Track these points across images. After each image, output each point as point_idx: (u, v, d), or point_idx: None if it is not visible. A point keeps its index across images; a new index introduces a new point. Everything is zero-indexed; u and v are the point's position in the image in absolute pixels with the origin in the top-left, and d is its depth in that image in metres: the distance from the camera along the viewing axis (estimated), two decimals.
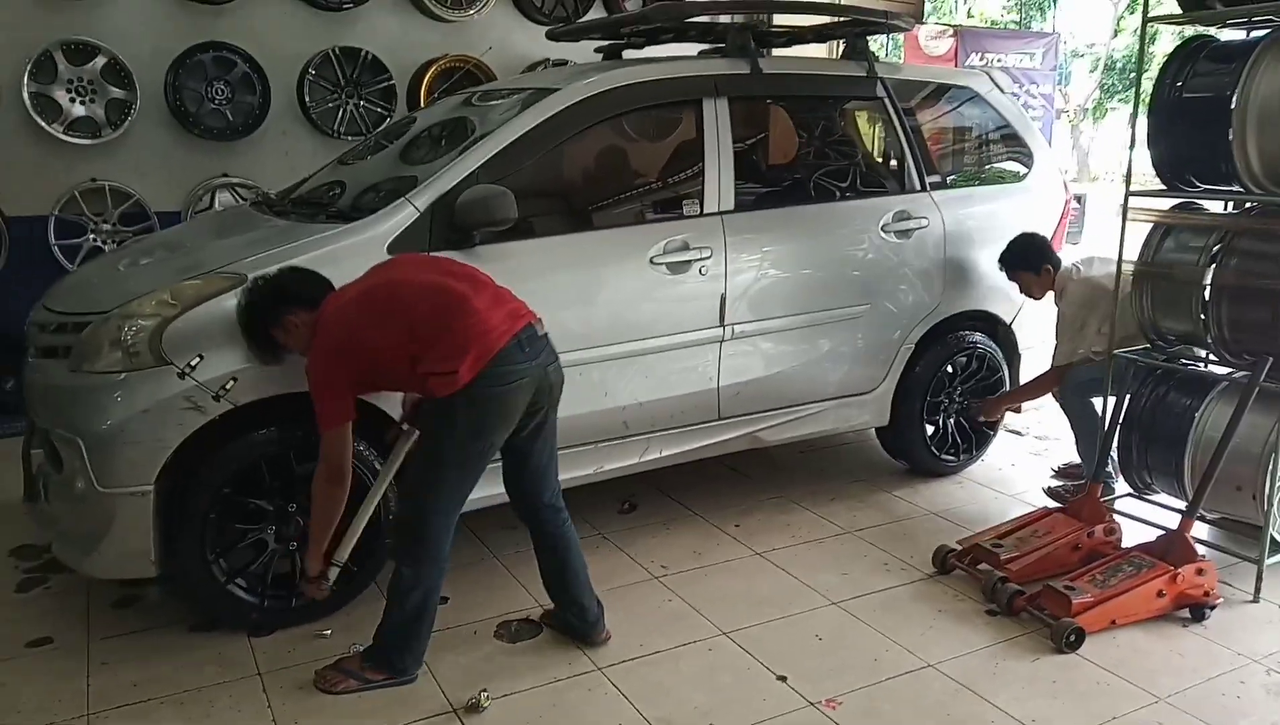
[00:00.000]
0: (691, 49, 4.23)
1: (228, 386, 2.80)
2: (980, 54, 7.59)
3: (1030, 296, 4.14)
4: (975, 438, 4.41)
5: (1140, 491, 3.78)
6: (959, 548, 3.46)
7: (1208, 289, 3.39)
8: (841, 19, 4.18)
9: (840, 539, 3.75)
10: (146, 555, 2.83)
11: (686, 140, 3.66)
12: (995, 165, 4.49)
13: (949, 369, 4.23)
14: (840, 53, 4.35)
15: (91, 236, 5.05)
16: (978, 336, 4.29)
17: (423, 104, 5.64)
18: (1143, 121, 3.44)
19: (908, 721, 2.62)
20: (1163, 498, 3.71)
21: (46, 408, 3.02)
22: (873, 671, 2.84)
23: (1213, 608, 3.12)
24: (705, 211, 3.59)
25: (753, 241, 3.66)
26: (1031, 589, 3.16)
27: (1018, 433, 4.90)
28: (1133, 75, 22.98)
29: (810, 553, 3.62)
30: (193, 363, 2.77)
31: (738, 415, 3.78)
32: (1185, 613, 3.13)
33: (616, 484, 3.76)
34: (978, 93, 4.40)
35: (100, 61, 4.91)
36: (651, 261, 3.45)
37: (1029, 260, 4.03)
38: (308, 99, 5.40)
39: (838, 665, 2.87)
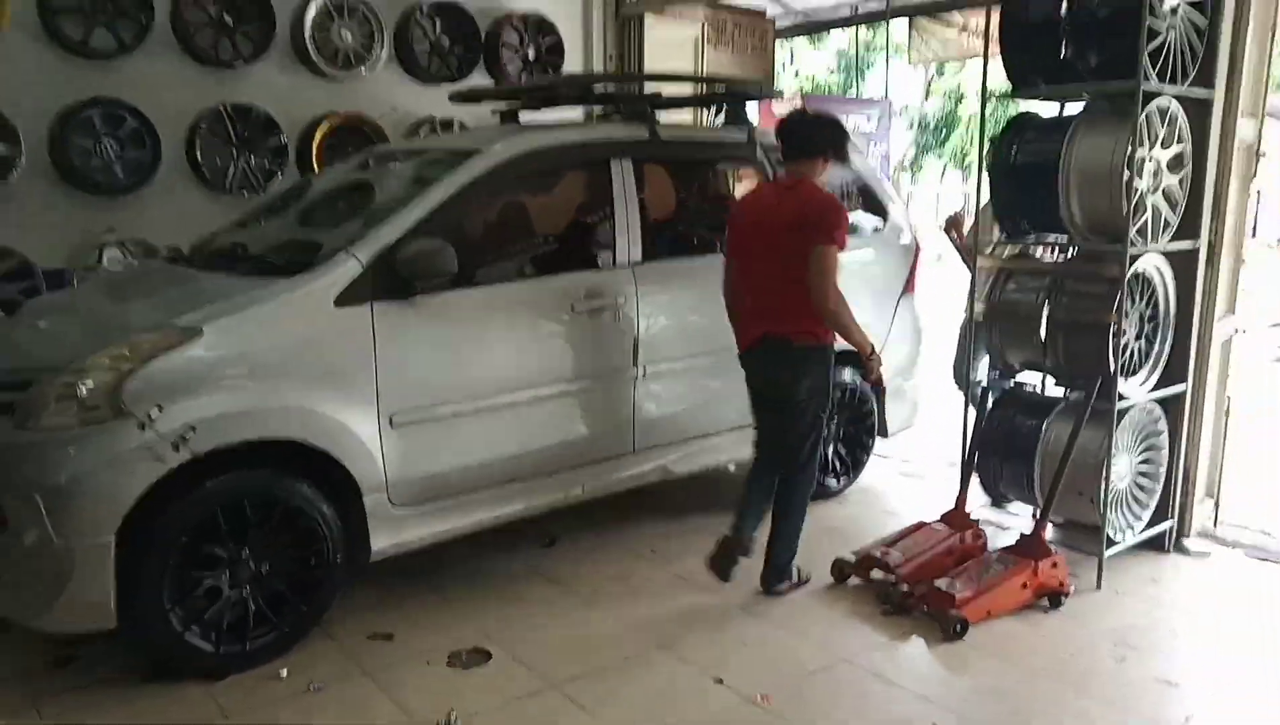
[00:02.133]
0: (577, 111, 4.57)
1: (186, 436, 2.90)
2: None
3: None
4: (851, 463, 4.90)
5: (997, 502, 4.34)
6: (853, 558, 3.89)
7: (1044, 323, 3.99)
8: (720, 89, 4.65)
9: (749, 558, 4.10)
10: (105, 606, 2.87)
11: (597, 197, 4.01)
12: (856, 218, 5.04)
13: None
14: (719, 119, 4.81)
15: None
16: (847, 372, 4.79)
17: (315, 160, 5.77)
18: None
19: (831, 707, 2.99)
20: (1016, 506, 4.28)
21: None
22: (796, 668, 3.21)
23: (1066, 596, 3.66)
24: (617, 263, 3.94)
25: (659, 289, 4.02)
26: (918, 589, 3.60)
27: (883, 457, 5.43)
28: (943, 133, 25.25)
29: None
30: (152, 414, 2.87)
31: (650, 448, 4.11)
32: (1045, 602, 3.65)
33: (538, 520, 3.98)
34: None
35: None
36: (573, 308, 3.76)
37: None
38: (199, 155, 5.42)
39: (765, 666, 3.22)
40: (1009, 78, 4.06)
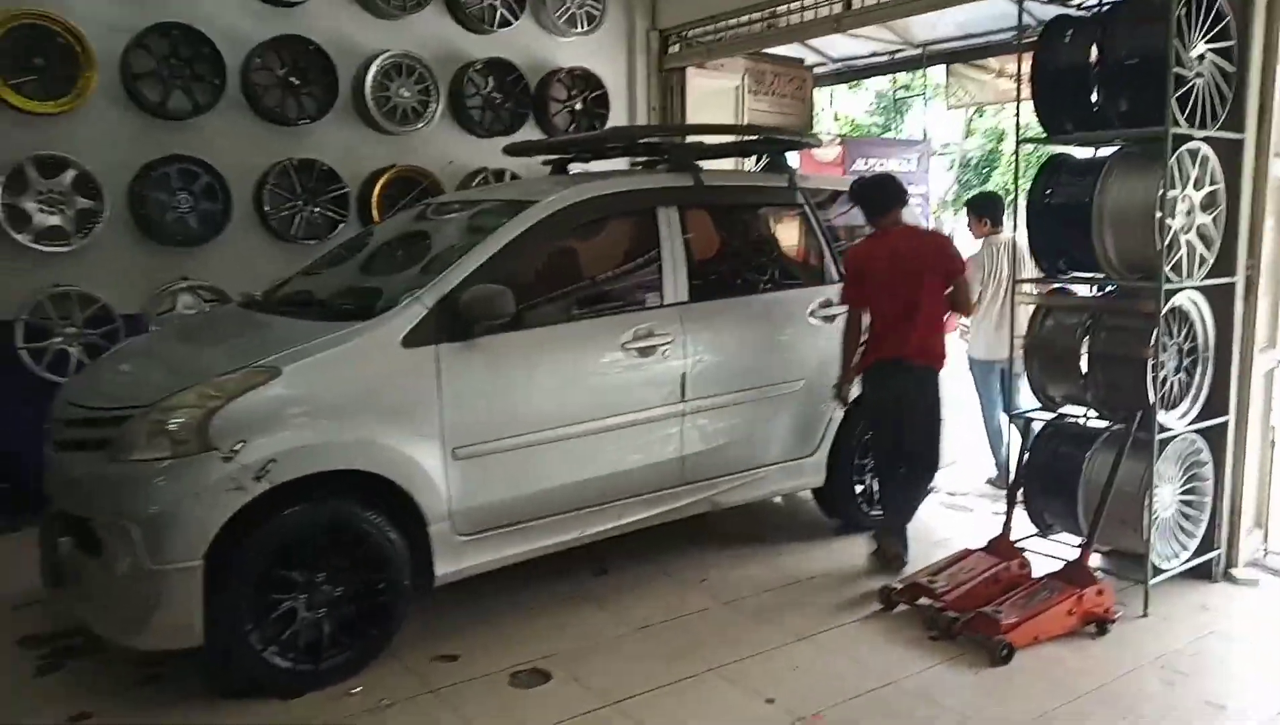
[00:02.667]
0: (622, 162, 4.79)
1: (267, 468, 3.12)
2: (865, 159, 8.53)
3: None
4: None
5: (1043, 532, 4.41)
6: (900, 586, 3.99)
7: (1084, 358, 4.09)
8: (761, 138, 4.86)
9: (794, 585, 4.23)
10: (193, 626, 3.08)
11: (645, 242, 4.20)
12: None
13: (868, 435, 4.82)
14: (761, 166, 5.00)
15: (58, 340, 5.20)
16: None
17: (375, 209, 6.06)
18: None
19: (874, 723, 3.09)
20: (1063, 535, 4.35)
21: (82, 497, 3.25)
22: (844, 690, 3.31)
23: (1112, 622, 3.72)
24: (665, 302, 4.12)
25: (705, 327, 4.20)
26: (965, 615, 3.69)
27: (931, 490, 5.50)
28: (985, 172, 25.30)
29: (771, 599, 4.09)
30: (235, 447, 3.09)
31: (699, 480, 4.25)
32: (1091, 628, 3.71)
33: (588, 549, 4.13)
34: None
35: (70, 175, 5.16)
36: (623, 346, 3.94)
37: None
38: (266, 206, 5.74)
39: (815, 688, 3.32)
40: (1041, 123, 4.21)
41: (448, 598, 3.78)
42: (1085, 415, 4.34)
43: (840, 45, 8.98)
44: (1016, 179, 4.28)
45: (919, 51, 8.96)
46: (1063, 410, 4.36)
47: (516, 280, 3.68)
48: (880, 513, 4.89)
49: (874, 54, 9.27)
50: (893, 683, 3.36)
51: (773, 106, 8.00)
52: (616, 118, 7.11)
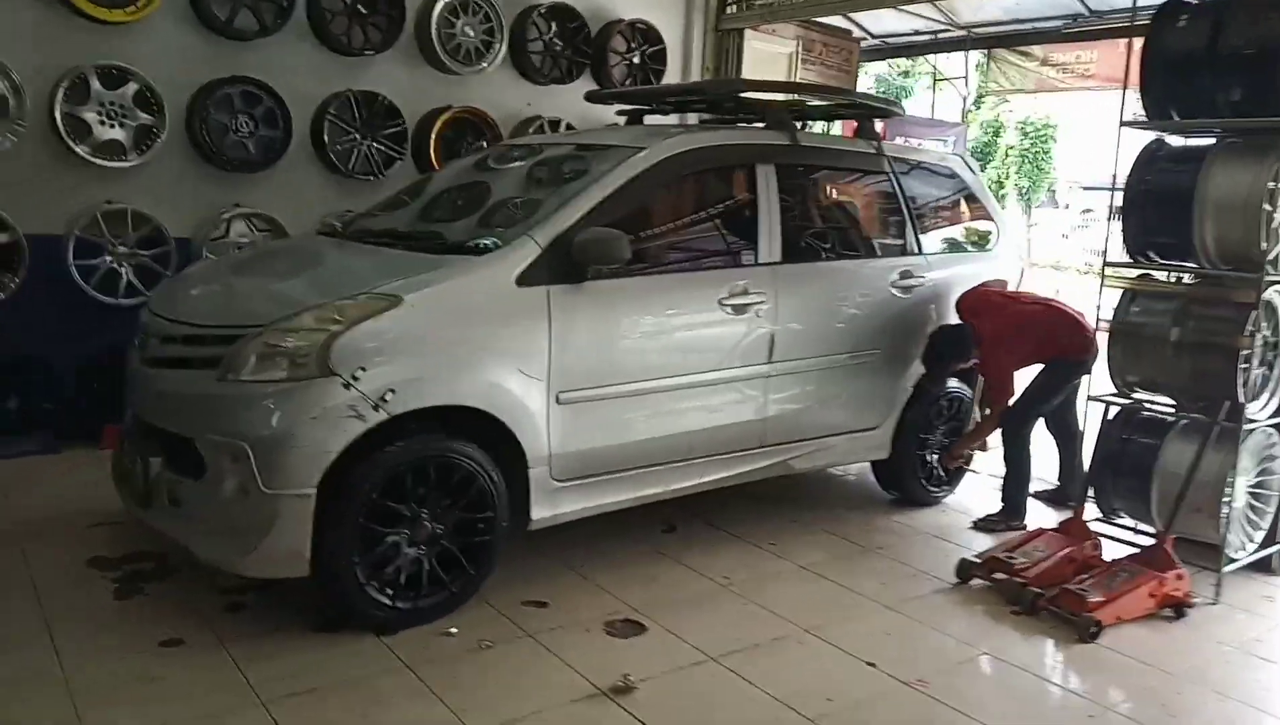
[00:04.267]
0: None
1: (386, 397, 3.04)
2: (905, 137, 8.51)
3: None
4: (954, 472, 5.02)
5: (1107, 516, 4.45)
6: (978, 560, 4.01)
7: (1171, 345, 4.11)
8: (853, 103, 4.82)
9: (866, 554, 4.24)
10: (302, 555, 3.01)
11: (744, 198, 4.15)
12: (969, 234, 5.18)
13: (933, 411, 4.84)
14: (853, 132, 4.95)
15: (109, 258, 5.05)
16: (954, 382, 4.92)
17: (433, 150, 5.93)
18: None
19: (987, 695, 3.11)
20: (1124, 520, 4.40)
21: (183, 416, 3.16)
22: (943, 658, 3.32)
23: (1190, 607, 3.77)
24: (760, 261, 4.08)
25: (795, 290, 4.16)
26: (1049, 592, 3.71)
27: (975, 472, 5.53)
28: (981, 163, 25.43)
29: (845, 566, 4.09)
30: (356, 374, 3.01)
31: (776, 443, 4.24)
32: (1168, 611, 3.76)
33: (653, 509, 4.08)
34: (956, 172, 5.11)
35: (132, 88, 4.98)
36: (720, 303, 3.90)
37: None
38: (326, 138, 5.59)
39: (911, 654, 3.33)
40: (1145, 107, 4.19)
41: (529, 546, 3.75)
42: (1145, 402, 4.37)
43: (884, 21, 8.94)
44: (1117, 162, 4.26)
45: (963, 33, 8.95)
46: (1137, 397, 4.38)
47: (622, 226, 3.62)
48: (941, 490, 4.94)
49: (916, 32, 9.24)
50: (988, 653, 3.39)
51: (821, 76, 7.95)
52: (672, 75, 7.01)
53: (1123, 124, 4.24)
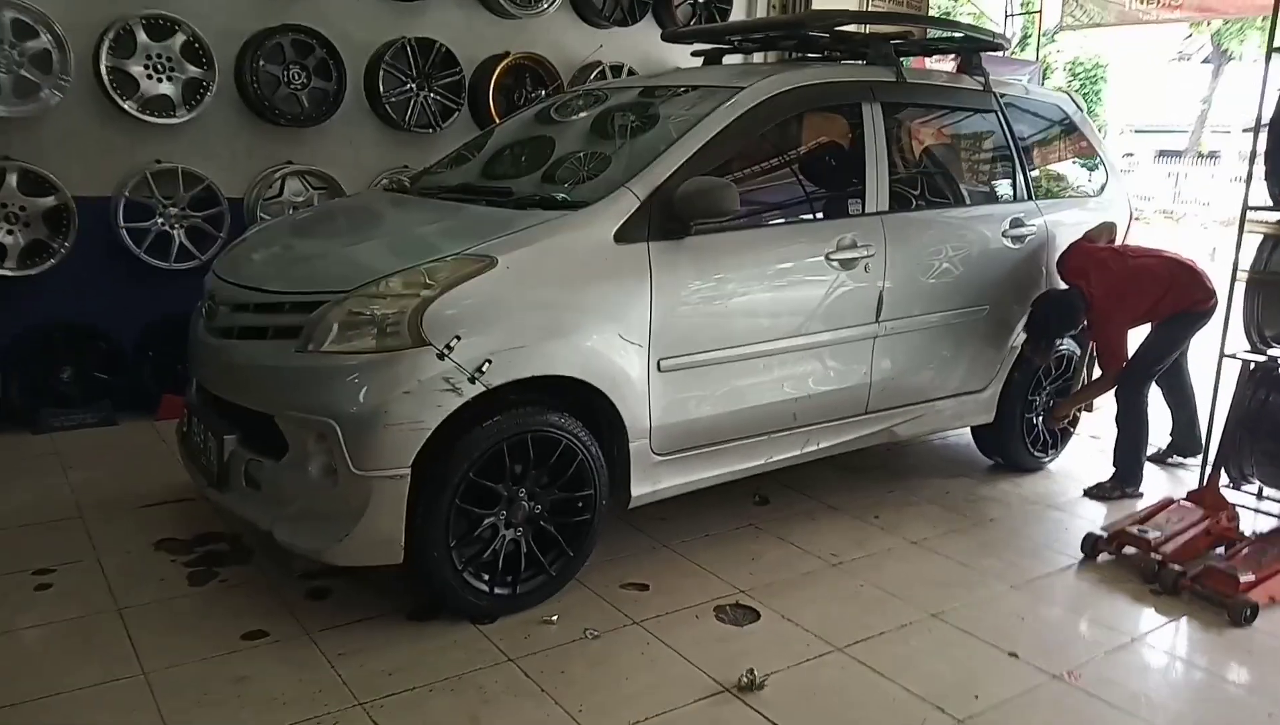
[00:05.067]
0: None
1: (483, 368, 2.76)
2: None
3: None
4: (1060, 435, 4.69)
5: (1236, 483, 4.11)
6: (1104, 533, 3.70)
7: None
8: (958, 35, 4.42)
9: (979, 527, 3.94)
10: (396, 541, 2.76)
11: (850, 141, 3.80)
12: (1079, 178, 4.79)
13: (1042, 370, 4.50)
14: (956, 67, 4.56)
15: (160, 221, 4.79)
16: (1068, 342, 4.57)
17: (491, 99, 5.60)
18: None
19: (1146, 690, 2.81)
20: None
21: (260, 390, 2.90)
22: (1088, 647, 3.03)
23: None
24: (866, 211, 3.74)
25: (904, 241, 3.82)
26: (1191, 570, 3.40)
27: (1079, 434, 5.19)
28: None
29: (959, 541, 3.79)
30: (451, 344, 2.73)
31: (881, 409, 3.93)
32: None
33: (744, 480, 3.77)
34: (1066, 114, 4.71)
35: (180, 39, 4.68)
36: (827, 257, 3.57)
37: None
38: (381, 88, 5.27)
39: (1052, 642, 3.04)
40: None
41: (619, 522, 3.49)
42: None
43: None
44: (1263, 91, 3.84)
45: None
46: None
47: (720, 176, 3.29)
48: (1046, 455, 4.63)
49: None
50: (1135, 639, 3.09)
51: (892, 7, 7.50)
52: (737, 13, 6.61)
53: (1273, 50, 3.82)
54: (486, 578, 2.94)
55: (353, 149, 5.36)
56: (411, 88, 5.38)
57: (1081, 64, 22.94)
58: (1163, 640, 3.10)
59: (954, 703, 2.67)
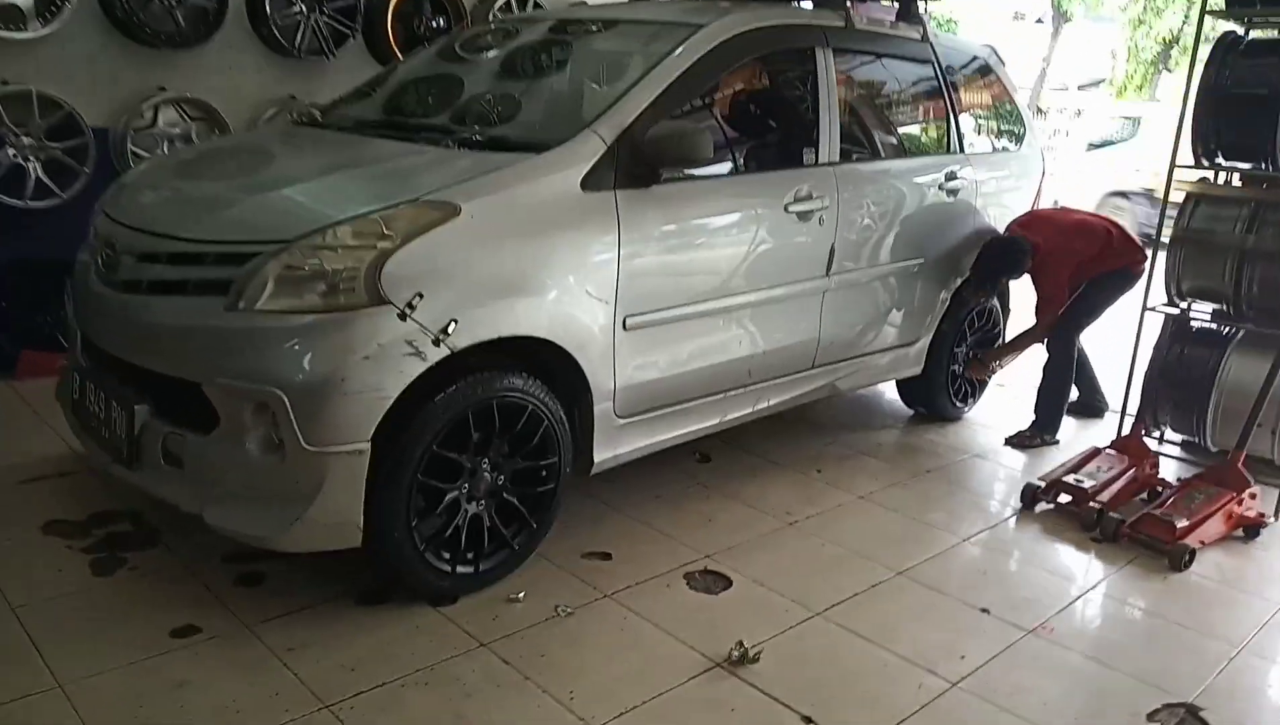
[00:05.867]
0: None
1: (449, 329, 2.49)
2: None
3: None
4: (976, 387, 4.78)
5: (1149, 431, 4.28)
6: (1041, 483, 3.77)
7: (1239, 253, 3.88)
8: None
9: (918, 479, 3.95)
10: (354, 523, 2.47)
11: (804, 87, 3.65)
12: (1002, 131, 4.82)
13: (967, 322, 4.55)
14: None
15: (11, 152, 4.16)
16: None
17: (389, 28, 5.14)
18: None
19: (1117, 640, 2.87)
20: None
21: (181, 355, 2.53)
22: (1051, 598, 3.07)
23: (1264, 527, 3.64)
24: (820, 161, 3.61)
25: (853, 192, 3.71)
26: (1130, 518, 3.50)
27: (1000, 386, 5.28)
28: None
29: (903, 494, 3.79)
30: (413, 302, 2.43)
31: (826, 364, 3.86)
32: (1240, 532, 3.62)
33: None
34: (989, 65, 4.71)
35: None
36: (785, 208, 3.43)
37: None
38: (267, 8, 4.73)
39: (1018, 595, 3.06)
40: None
41: (568, 490, 3.27)
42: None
43: None
44: (1194, 54, 3.91)
45: None
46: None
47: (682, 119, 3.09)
48: (965, 406, 4.71)
49: None
50: (1093, 587, 3.17)
51: None
52: None
53: (1205, 12, 3.89)
54: (448, 556, 2.70)
55: (236, 76, 4.82)
56: (301, 9, 4.87)
57: (935, 18, 23.59)
58: (1115, 588, 3.18)
59: (943, 664, 2.63)
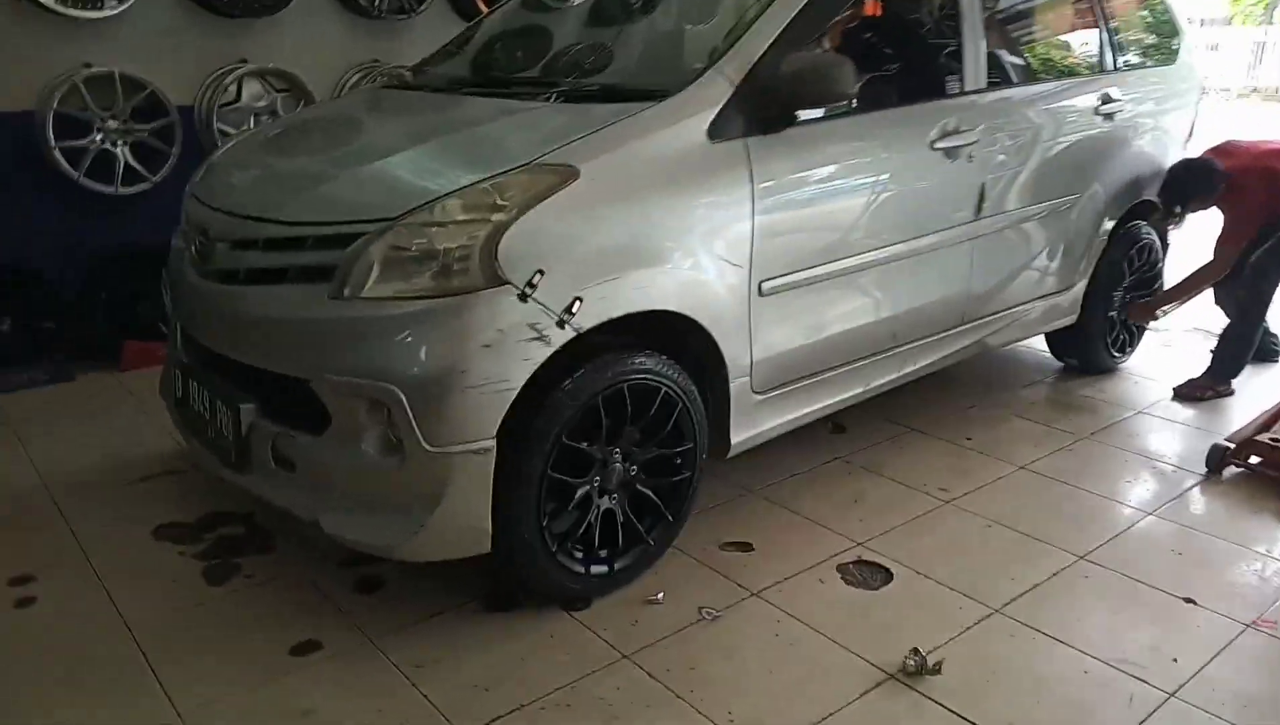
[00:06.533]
0: None
1: (573, 308, 2.20)
2: None
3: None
4: (1137, 331, 4.32)
5: None
6: (1230, 445, 3.33)
7: None
8: None
9: (1085, 443, 3.56)
10: (482, 528, 2.23)
11: (943, 8, 3.22)
12: (1158, 46, 4.28)
13: (1126, 263, 4.08)
14: None
15: (99, 137, 4.02)
16: (1143, 225, 4.14)
17: None
18: None
19: None
20: None
21: (284, 348, 2.30)
22: (1267, 583, 2.67)
23: None
24: (965, 90, 3.20)
25: (1003, 124, 3.30)
26: None
27: (1163, 330, 4.78)
28: None
29: (1069, 461, 3.41)
30: (534, 281, 2.15)
31: (977, 319, 3.48)
32: None
33: None
34: None
35: None
36: (931, 146, 3.04)
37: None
38: None
39: (1224, 582, 2.67)
40: None
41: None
42: None
43: None
44: None
45: None
46: None
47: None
48: (1123, 356, 4.25)
49: None
50: None
51: None
52: None
53: None
54: (580, 556, 2.45)
55: (316, 43, 4.61)
56: None
57: None
58: None
59: (1155, 670, 2.28)
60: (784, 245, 2.66)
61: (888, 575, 2.67)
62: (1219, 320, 4.20)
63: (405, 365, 2.10)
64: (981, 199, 3.24)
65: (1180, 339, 4.75)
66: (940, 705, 2.15)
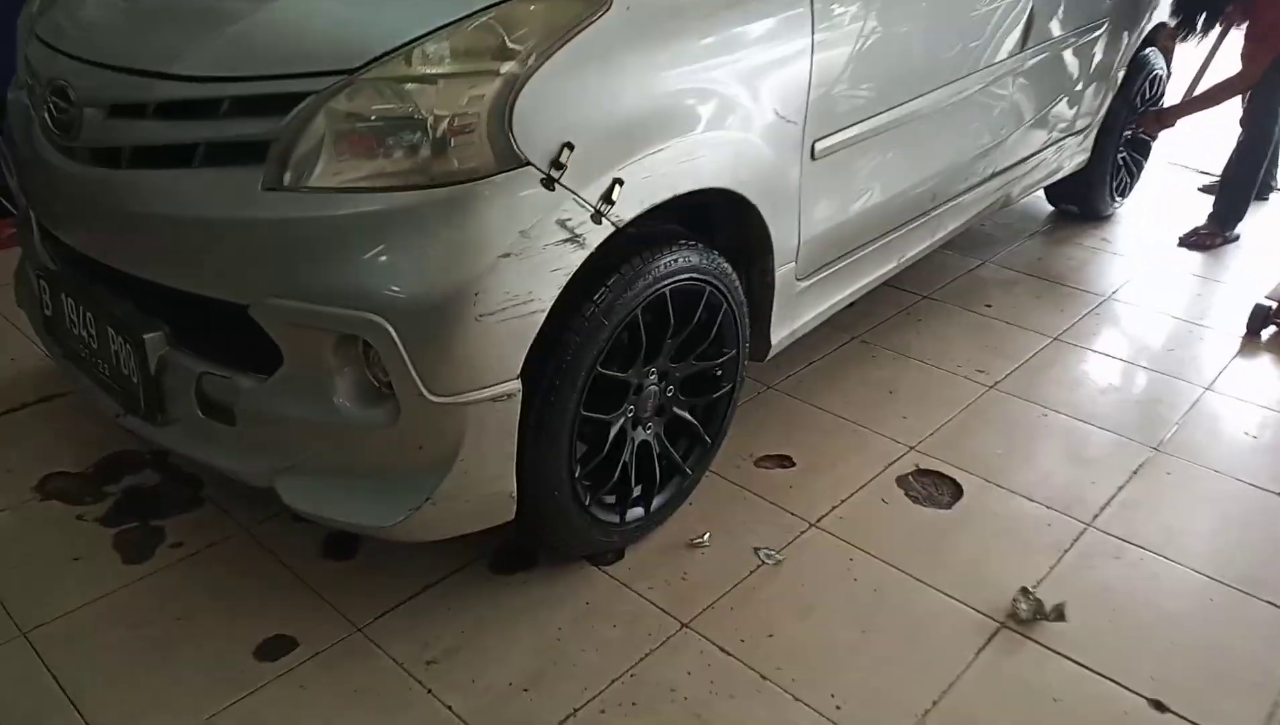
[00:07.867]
0: None
1: (612, 195, 1.62)
2: None
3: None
4: (1137, 166, 3.97)
5: None
6: (1271, 305, 3.05)
7: None
8: None
9: (1110, 305, 3.25)
10: (506, 492, 1.70)
11: None
12: None
13: (1139, 96, 3.69)
14: None
15: None
16: (1154, 52, 3.72)
17: None
18: None
19: None
20: None
21: (204, 262, 1.65)
22: None
23: None
24: None
25: None
26: None
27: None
28: None
29: (1102, 328, 3.09)
30: (562, 159, 1.55)
31: (1005, 169, 3.03)
32: None
33: None
34: None
35: None
36: None
37: None
38: None
39: None
40: None
41: None
42: None
43: None
44: None
45: None
46: None
47: None
48: (1120, 200, 3.92)
49: None
50: None
51: None
52: None
53: None
54: (612, 502, 1.96)
55: None
56: None
57: None
58: None
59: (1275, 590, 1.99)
60: (840, 92, 2.11)
61: (955, 487, 2.30)
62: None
63: (391, 286, 1.49)
64: (1029, 28, 2.72)
65: (1160, 176, 4.43)
66: (1073, 662, 1.81)
